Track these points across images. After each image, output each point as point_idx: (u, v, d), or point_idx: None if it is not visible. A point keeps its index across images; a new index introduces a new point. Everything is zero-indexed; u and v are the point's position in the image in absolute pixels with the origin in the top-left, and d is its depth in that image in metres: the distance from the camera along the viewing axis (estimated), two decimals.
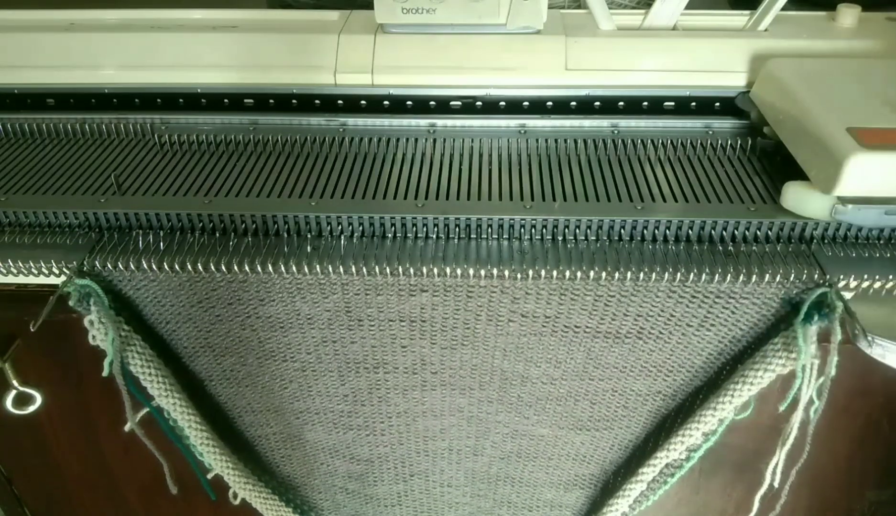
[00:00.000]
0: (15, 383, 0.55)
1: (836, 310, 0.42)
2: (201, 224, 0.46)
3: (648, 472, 0.55)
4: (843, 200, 0.42)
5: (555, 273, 0.43)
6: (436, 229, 0.46)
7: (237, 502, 0.61)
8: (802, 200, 0.44)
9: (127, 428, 0.54)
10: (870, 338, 0.41)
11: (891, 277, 0.43)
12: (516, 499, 0.64)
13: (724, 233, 0.45)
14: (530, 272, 0.43)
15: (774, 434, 0.59)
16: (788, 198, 0.45)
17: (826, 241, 0.45)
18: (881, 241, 0.45)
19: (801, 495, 0.64)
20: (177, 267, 0.44)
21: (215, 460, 0.57)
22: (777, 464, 0.50)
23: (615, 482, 0.60)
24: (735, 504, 0.65)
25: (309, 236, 0.46)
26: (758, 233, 0.45)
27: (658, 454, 0.54)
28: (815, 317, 0.43)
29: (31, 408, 0.56)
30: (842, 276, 0.43)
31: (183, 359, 0.54)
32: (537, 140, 0.54)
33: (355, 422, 0.57)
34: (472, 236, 0.46)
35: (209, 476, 0.60)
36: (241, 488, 0.60)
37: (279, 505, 0.63)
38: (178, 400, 0.53)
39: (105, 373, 0.50)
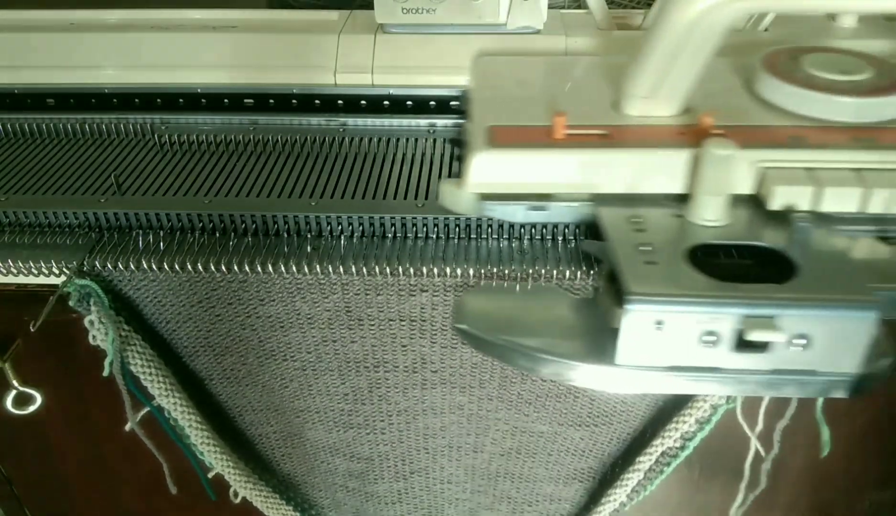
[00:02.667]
0: (15, 383, 0.55)
1: None
2: (201, 224, 0.46)
3: (645, 461, 0.55)
4: (483, 197, 0.43)
5: (555, 273, 0.43)
6: (436, 229, 0.46)
7: (238, 501, 0.61)
8: (451, 197, 0.45)
9: (127, 427, 0.54)
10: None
11: None
12: (516, 495, 0.64)
13: None
14: (530, 272, 0.43)
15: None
16: (443, 196, 0.45)
17: None
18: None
19: (802, 495, 0.64)
20: (177, 267, 0.44)
21: (216, 459, 0.57)
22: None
23: (613, 473, 0.60)
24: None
25: (309, 236, 0.46)
26: None
27: (654, 442, 0.54)
28: None
29: (31, 408, 0.56)
30: None
31: (183, 359, 0.54)
32: None
33: (356, 421, 0.57)
34: (472, 236, 0.46)
35: (210, 475, 0.60)
36: (242, 487, 0.60)
37: (280, 503, 0.64)
38: (179, 399, 0.53)
39: (105, 373, 0.50)
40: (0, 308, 0.52)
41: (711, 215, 0.41)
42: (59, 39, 0.59)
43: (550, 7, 0.58)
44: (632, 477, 0.57)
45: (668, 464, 0.56)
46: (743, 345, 0.36)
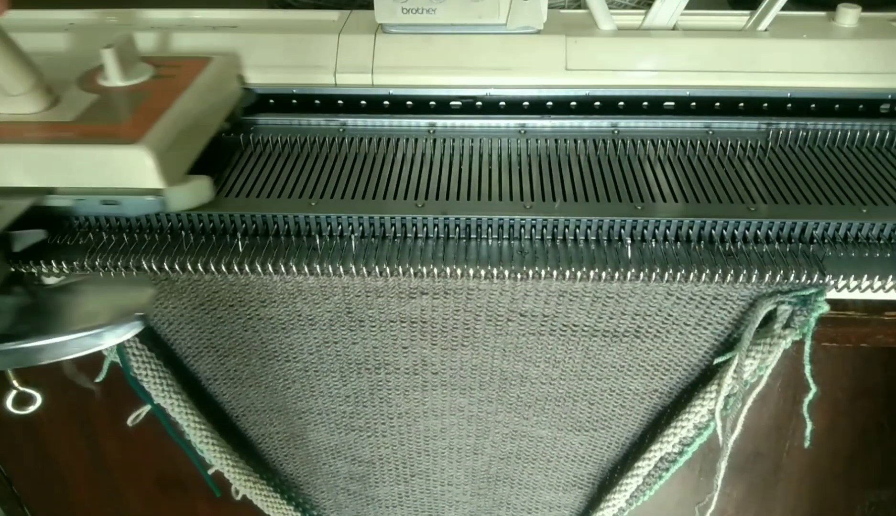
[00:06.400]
0: (15, 383, 0.55)
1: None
2: (201, 224, 0.46)
3: (644, 466, 0.55)
4: None
5: (555, 273, 0.43)
6: (436, 229, 0.46)
7: (239, 498, 0.61)
8: None
9: (130, 421, 0.54)
10: None
11: (891, 277, 0.43)
12: (515, 501, 0.64)
13: (724, 232, 0.45)
14: (530, 272, 0.43)
15: (774, 434, 0.59)
16: None
17: (826, 241, 0.45)
18: (881, 241, 0.45)
19: (802, 495, 0.64)
20: (177, 267, 0.44)
21: (216, 458, 0.57)
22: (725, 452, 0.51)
23: (612, 478, 0.60)
24: (735, 504, 0.65)
25: (309, 237, 0.46)
26: (758, 233, 0.45)
27: (652, 447, 0.54)
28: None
29: (31, 408, 0.56)
30: (842, 276, 0.43)
31: (187, 359, 0.54)
32: (537, 140, 0.54)
33: (357, 423, 0.57)
34: (471, 236, 0.46)
35: (210, 472, 0.60)
36: (242, 485, 0.60)
37: (281, 502, 0.64)
38: (177, 399, 0.53)
39: (100, 378, 0.50)
40: None
41: None
42: (59, 39, 0.59)
43: (550, 7, 0.58)
44: (630, 483, 0.57)
45: (667, 469, 0.56)
46: None
